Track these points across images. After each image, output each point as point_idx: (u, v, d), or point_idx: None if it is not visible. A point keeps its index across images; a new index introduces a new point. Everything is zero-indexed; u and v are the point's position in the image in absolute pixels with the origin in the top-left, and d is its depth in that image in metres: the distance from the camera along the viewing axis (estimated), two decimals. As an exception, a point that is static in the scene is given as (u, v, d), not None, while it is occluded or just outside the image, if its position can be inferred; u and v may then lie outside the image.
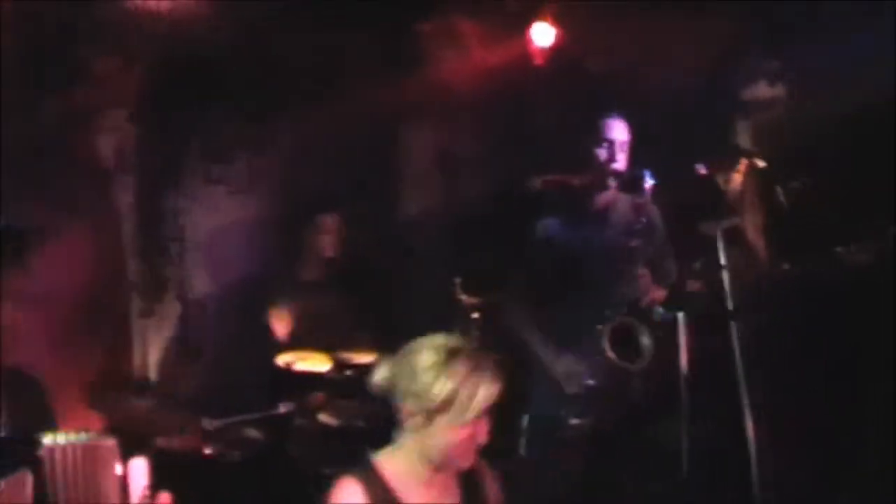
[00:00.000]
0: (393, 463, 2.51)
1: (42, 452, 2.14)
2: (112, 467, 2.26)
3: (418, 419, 2.44)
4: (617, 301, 3.64)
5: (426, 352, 2.45)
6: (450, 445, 2.43)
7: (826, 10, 4.96)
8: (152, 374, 4.83)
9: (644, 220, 3.67)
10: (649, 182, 3.60)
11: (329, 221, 4.72)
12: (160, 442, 4.04)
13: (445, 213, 5.35)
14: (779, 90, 5.38)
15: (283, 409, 4.11)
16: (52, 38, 4.68)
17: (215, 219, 5.09)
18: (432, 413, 2.41)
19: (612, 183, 3.82)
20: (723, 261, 3.42)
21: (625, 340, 3.60)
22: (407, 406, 2.45)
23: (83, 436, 2.29)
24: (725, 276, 3.39)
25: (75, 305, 4.61)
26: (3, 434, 2.25)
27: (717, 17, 5.18)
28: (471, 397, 2.39)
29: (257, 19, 4.82)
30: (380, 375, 2.51)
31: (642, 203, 3.66)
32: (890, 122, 4.55)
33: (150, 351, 4.91)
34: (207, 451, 4.09)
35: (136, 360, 4.85)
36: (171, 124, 4.97)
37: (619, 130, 3.84)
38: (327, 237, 4.71)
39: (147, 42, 4.83)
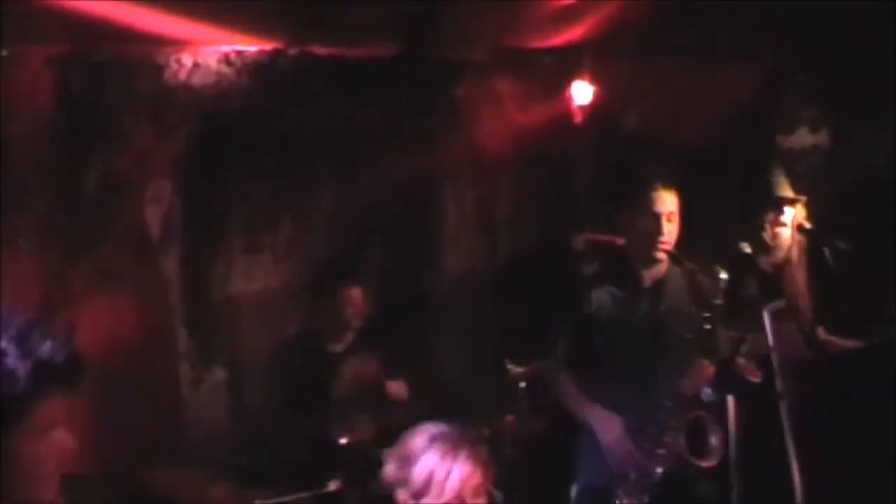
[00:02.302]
0: None
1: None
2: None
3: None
4: (674, 391, 3.54)
5: (413, 439, 2.53)
6: None
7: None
8: (203, 444, 4.87)
9: (711, 314, 3.50)
10: (724, 276, 3.47)
11: (352, 293, 4.74)
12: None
13: (487, 273, 5.35)
14: (821, 137, 5.35)
15: (332, 486, 4.12)
16: (96, 109, 4.79)
17: (257, 287, 5.14)
18: (417, 497, 2.47)
19: (660, 256, 3.71)
20: (771, 342, 3.38)
21: (695, 434, 3.52)
22: (399, 494, 2.50)
23: None
24: (775, 357, 3.35)
25: (125, 376, 4.68)
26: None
27: (754, 67, 5.19)
28: (445, 479, 2.45)
29: (296, 88, 4.89)
30: (386, 469, 2.55)
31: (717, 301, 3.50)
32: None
33: (201, 420, 4.97)
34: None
35: (187, 430, 4.90)
36: (213, 194, 5.04)
37: (667, 202, 3.68)
38: (351, 308, 4.73)
39: (190, 115, 4.92)
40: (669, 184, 3.71)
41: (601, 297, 3.77)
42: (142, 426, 4.73)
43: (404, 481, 2.49)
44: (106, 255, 4.81)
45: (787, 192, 4.43)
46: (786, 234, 4.21)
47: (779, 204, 4.23)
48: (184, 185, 5.01)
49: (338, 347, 4.78)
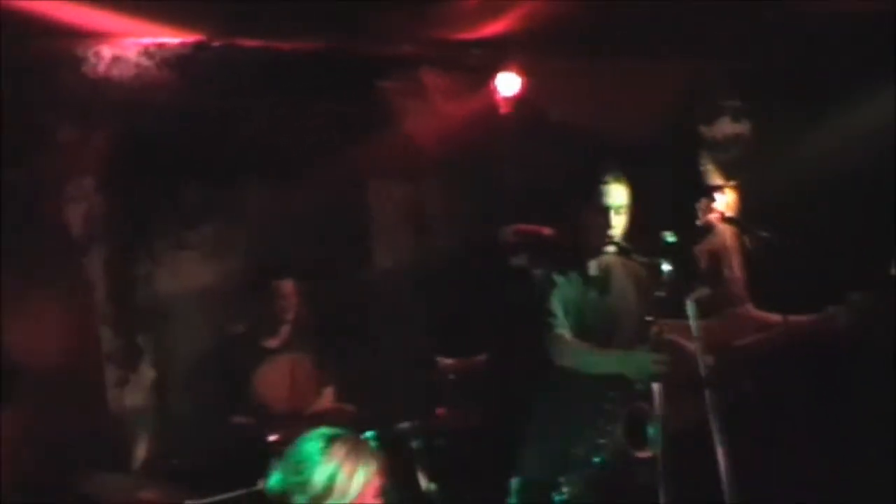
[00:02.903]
0: None
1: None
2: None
3: None
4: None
5: (307, 444, 2.58)
6: None
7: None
8: (131, 446, 4.79)
9: (663, 294, 3.54)
10: (667, 268, 3.50)
11: (284, 286, 4.72)
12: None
13: (417, 268, 5.34)
14: (743, 126, 5.45)
15: (261, 485, 4.06)
16: (15, 107, 4.65)
17: (186, 285, 5.06)
18: (317, 501, 2.50)
19: (609, 248, 3.74)
20: (694, 330, 3.43)
21: (634, 425, 3.56)
22: (294, 499, 2.52)
23: None
24: (698, 345, 3.40)
25: (49, 378, 4.57)
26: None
27: (679, 62, 5.26)
28: (349, 479, 2.50)
29: (223, 86, 4.81)
30: (271, 481, 2.59)
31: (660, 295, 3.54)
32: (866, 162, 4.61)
33: (128, 422, 4.87)
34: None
35: (114, 433, 4.80)
36: (138, 191, 4.94)
37: (617, 195, 3.73)
38: (283, 301, 4.72)
39: (112, 110, 4.81)
40: (620, 177, 3.74)
41: (564, 294, 3.76)
42: (67, 430, 4.63)
43: (301, 486, 2.52)
44: (28, 255, 4.69)
45: (718, 180, 4.51)
46: (717, 221, 4.30)
47: (709, 191, 4.31)
48: (106, 183, 4.91)
49: (272, 343, 4.75)
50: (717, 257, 4.41)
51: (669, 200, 4.53)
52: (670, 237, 3.51)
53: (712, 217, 4.25)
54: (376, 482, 2.56)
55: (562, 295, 3.73)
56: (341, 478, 2.50)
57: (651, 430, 3.53)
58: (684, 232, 3.62)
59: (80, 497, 4.24)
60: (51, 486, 4.23)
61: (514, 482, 3.81)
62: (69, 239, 4.89)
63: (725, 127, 5.37)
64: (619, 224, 3.72)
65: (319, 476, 2.51)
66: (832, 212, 4.67)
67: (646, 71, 5.16)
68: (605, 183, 3.71)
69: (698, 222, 4.23)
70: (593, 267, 3.80)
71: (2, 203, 4.57)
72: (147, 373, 4.97)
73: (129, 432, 4.88)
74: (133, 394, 4.94)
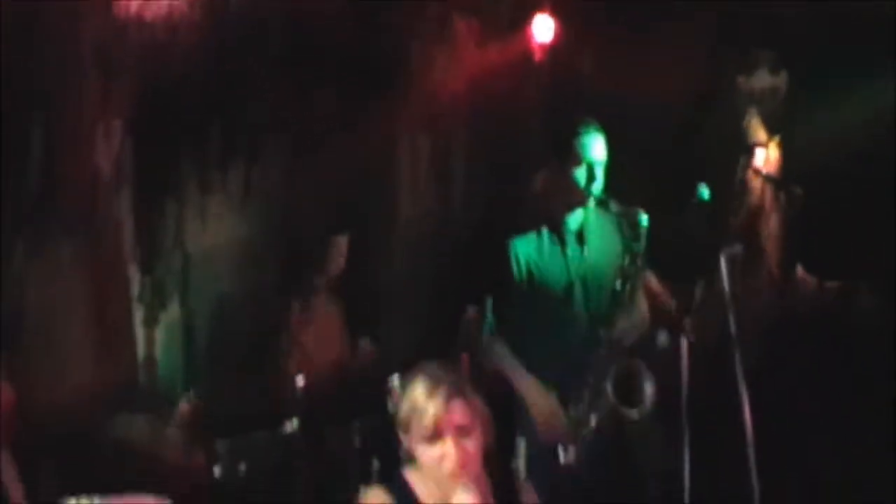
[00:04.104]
0: (417, 478, 2.65)
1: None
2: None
3: (404, 440, 2.62)
4: (606, 342, 3.55)
5: (407, 378, 2.65)
6: (426, 463, 2.58)
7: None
8: (159, 387, 4.85)
9: (640, 263, 3.53)
10: (644, 223, 3.48)
11: (342, 243, 4.81)
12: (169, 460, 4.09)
13: (445, 220, 5.32)
14: (781, 79, 5.35)
15: (289, 428, 4.13)
16: (44, 50, 4.63)
17: (214, 229, 5.07)
18: (404, 432, 2.60)
19: (590, 204, 3.69)
20: (727, 287, 3.39)
21: (628, 383, 3.52)
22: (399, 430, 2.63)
23: (112, 497, 2.14)
24: (730, 302, 3.36)
25: (77, 318, 4.62)
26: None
27: (715, 7, 5.14)
28: (423, 415, 2.55)
29: (250, 30, 4.76)
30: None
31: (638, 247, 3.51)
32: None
33: (156, 362, 4.93)
34: (216, 469, 4.12)
35: (142, 375, 4.86)
36: (165, 134, 4.93)
37: (598, 148, 3.65)
38: (339, 258, 4.81)
39: (140, 52, 4.77)
40: (600, 130, 3.67)
41: (528, 248, 3.74)
42: (95, 370, 4.68)
43: (397, 418, 2.61)
44: (58, 197, 4.71)
45: (757, 135, 4.44)
46: (756, 178, 4.25)
47: (751, 148, 4.26)
48: (135, 125, 4.89)
49: (307, 291, 4.81)
50: (753, 214, 4.36)
51: (706, 155, 4.47)
52: (705, 191, 3.47)
53: (751, 173, 4.19)
54: (456, 419, 2.57)
55: (525, 254, 3.69)
56: (417, 415, 2.57)
57: (646, 388, 3.50)
58: (720, 187, 3.56)
59: (108, 438, 4.31)
60: (78, 427, 4.29)
61: (522, 442, 3.75)
62: (99, 180, 4.89)
63: (763, 79, 5.29)
64: (599, 178, 3.65)
65: (402, 410, 2.61)
66: (872, 172, 4.59)
67: (683, 17, 5.06)
68: (584, 135, 3.64)
69: (737, 178, 4.17)
70: (573, 223, 3.75)
71: (32, 145, 4.59)
72: (175, 314, 5.01)
73: (157, 373, 4.93)
74: (161, 334, 4.98)
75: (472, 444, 2.58)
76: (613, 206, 3.65)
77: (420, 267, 5.27)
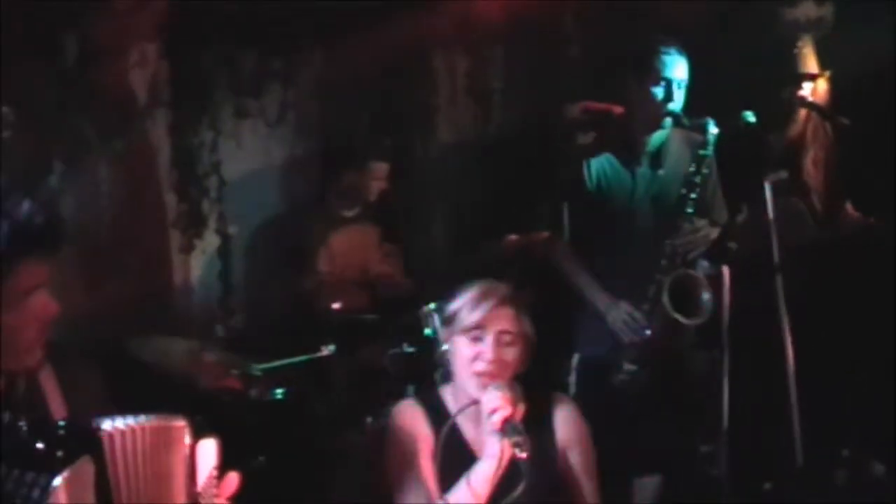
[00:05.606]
0: (451, 393, 2.71)
1: (103, 437, 1.98)
2: (181, 449, 2.11)
3: (442, 333, 2.75)
4: (669, 251, 3.52)
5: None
6: (457, 360, 2.65)
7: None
8: (195, 312, 4.87)
9: (707, 171, 3.51)
10: (713, 130, 3.45)
11: (381, 169, 4.79)
12: (204, 384, 4.11)
13: (478, 144, 5.26)
14: (826, 9, 5.20)
15: (325, 352, 4.13)
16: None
17: (249, 153, 5.04)
18: (446, 325, 2.70)
19: (666, 125, 3.65)
20: (771, 213, 3.33)
21: (685, 294, 3.49)
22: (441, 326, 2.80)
23: (147, 417, 2.11)
24: (773, 228, 3.31)
25: (114, 243, 4.63)
26: (59, 421, 2.12)
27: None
28: (471, 311, 2.63)
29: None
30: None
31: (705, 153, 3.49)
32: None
33: (192, 287, 4.94)
34: (252, 393, 4.14)
35: (178, 298, 4.88)
36: (201, 56, 4.88)
37: (678, 69, 3.62)
38: (377, 183, 4.79)
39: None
40: (681, 50, 3.63)
41: (600, 165, 3.74)
42: (131, 293, 4.70)
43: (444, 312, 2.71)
44: (91, 121, 4.69)
45: (808, 65, 4.33)
46: (803, 107, 4.18)
47: (799, 79, 4.18)
48: (170, 48, 4.85)
49: (347, 213, 4.82)
50: (797, 143, 4.28)
51: (753, 82, 4.37)
52: (750, 117, 3.40)
53: (796, 102, 4.10)
54: (499, 324, 2.64)
55: (607, 178, 3.70)
56: (464, 312, 2.65)
57: (703, 298, 3.48)
58: (766, 113, 3.48)
59: (144, 360, 4.34)
60: (115, 350, 4.32)
61: (576, 358, 3.80)
62: (134, 104, 4.86)
63: (809, 9, 5.15)
64: (678, 98, 3.62)
65: (451, 307, 2.70)
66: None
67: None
68: (666, 54, 3.61)
69: (784, 108, 4.09)
70: (649, 143, 3.72)
71: (69, 69, 4.56)
72: (211, 239, 5.01)
73: (193, 298, 4.95)
74: (197, 259, 4.99)
75: (511, 354, 2.63)
76: (686, 121, 3.62)
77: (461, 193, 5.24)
